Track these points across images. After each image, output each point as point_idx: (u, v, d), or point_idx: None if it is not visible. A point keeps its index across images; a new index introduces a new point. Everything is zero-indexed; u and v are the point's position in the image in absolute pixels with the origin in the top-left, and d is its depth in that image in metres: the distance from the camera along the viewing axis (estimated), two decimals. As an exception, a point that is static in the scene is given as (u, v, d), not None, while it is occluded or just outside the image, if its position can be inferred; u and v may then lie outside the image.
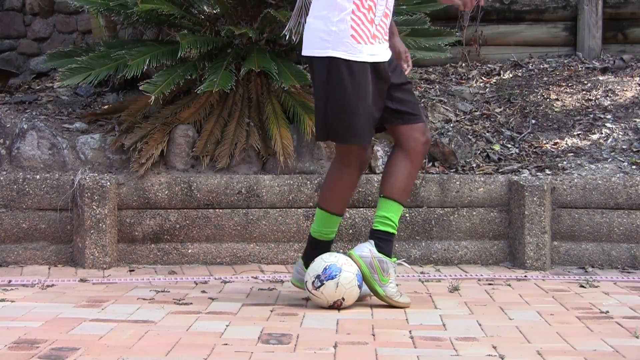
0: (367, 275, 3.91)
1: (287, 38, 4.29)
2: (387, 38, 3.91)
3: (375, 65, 3.84)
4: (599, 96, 5.98)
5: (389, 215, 3.93)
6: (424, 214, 5.07)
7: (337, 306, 3.91)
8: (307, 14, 4.08)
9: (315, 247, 4.07)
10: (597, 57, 6.60)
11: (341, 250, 5.05)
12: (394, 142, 4.03)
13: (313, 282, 3.92)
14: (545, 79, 6.27)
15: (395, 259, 4.01)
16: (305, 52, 3.90)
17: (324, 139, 4.04)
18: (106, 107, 5.70)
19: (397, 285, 3.96)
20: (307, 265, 4.02)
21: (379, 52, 3.86)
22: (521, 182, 5.00)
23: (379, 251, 3.92)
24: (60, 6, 7.35)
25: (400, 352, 3.19)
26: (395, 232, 3.98)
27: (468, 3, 3.88)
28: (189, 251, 5.04)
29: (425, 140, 3.99)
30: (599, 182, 5.06)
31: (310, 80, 5.36)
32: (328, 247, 4.09)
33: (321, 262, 3.95)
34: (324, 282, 3.89)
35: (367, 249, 3.93)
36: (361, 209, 5.06)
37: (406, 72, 4.07)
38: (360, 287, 3.92)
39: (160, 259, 5.04)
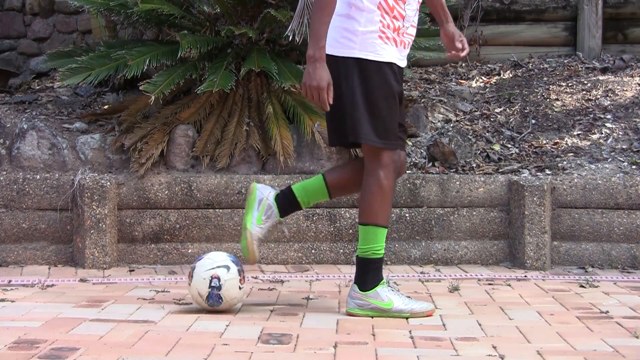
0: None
1: (290, 39, 4.27)
2: (409, 47, 3.81)
3: (399, 68, 3.76)
4: (599, 96, 5.98)
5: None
6: (424, 214, 5.07)
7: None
8: (309, 14, 4.06)
9: (369, 269, 3.78)
10: (597, 57, 6.60)
11: (341, 250, 5.05)
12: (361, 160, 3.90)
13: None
14: (545, 79, 6.28)
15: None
16: (330, 50, 3.68)
17: (346, 143, 3.85)
18: (106, 107, 5.70)
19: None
20: (362, 289, 3.77)
21: (401, 57, 3.77)
22: (521, 182, 5.00)
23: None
24: (60, 6, 7.35)
25: (400, 352, 3.19)
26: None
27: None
28: (189, 251, 5.04)
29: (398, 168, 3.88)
30: (599, 182, 5.06)
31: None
32: (381, 266, 3.81)
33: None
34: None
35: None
36: (361, 209, 5.06)
37: (462, 54, 3.95)
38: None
39: (160, 259, 5.04)
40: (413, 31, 3.81)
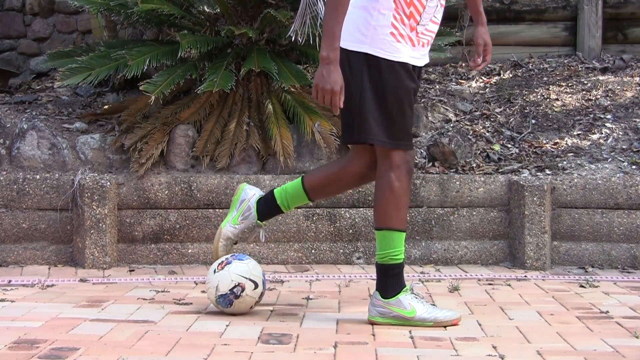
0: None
1: (292, 39, 4.25)
2: (428, 46, 3.69)
3: (413, 68, 3.61)
4: (599, 96, 5.98)
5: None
6: (424, 214, 5.07)
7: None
8: (311, 14, 4.05)
9: (388, 275, 3.65)
10: (597, 57, 6.60)
11: (341, 250, 5.05)
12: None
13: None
14: (545, 79, 6.28)
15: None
16: (342, 43, 3.53)
17: (356, 141, 3.67)
18: (106, 107, 5.70)
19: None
20: (384, 297, 3.64)
21: (418, 56, 3.62)
22: (521, 182, 5.00)
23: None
24: (60, 6, 7.35)
25: (400, 352, 3.19)
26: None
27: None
28: (189, 251, 5.04)
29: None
30: (599, 182, 5.06)
31: (310, 80, 5.37)
32: (402, 271, 3.68)
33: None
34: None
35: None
36: (361, 209, 5.06)
37: (478, 67, 3.86)
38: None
39: (160, 259, 5.04)
40: (434, 27, 3.67)
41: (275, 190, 3.90)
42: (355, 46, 3.56)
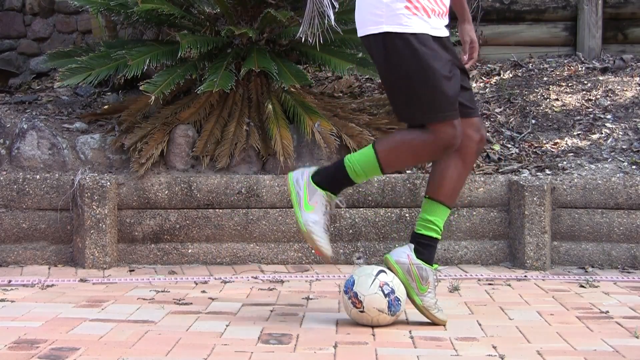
0: (404, 282, 3.57)
1: (303, 40, 4.22)
2: (446, 15, 3.51)
3: (437, 39, 3.43)
4: (599, 96, 5.98)
5: (433, 218, 3.58)
6: (424, 214, 5.06)
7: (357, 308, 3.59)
8: (319, 14, 4.03)
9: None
10: (597, 57, 6.60)
11: (341, 250, 5.05)
12: None
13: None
14: (545, 79, 6.28)
15: (437, 266, 3.68)
16: (360, 32, 3.45)
17: (408, 121, 3.53)
18: (106, 107, 5.71)
19: (436, 296, 3.63)
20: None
21: (438, 26, 3.45)
22: (521, 182, 5.00)
23: (419, 257, 3.58)
24: (60, 6, 7.36)
25: (400, 352, 3.19)
26: (439, 237, 3.61)
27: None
28: (189, 251, 5.04)
29: (480, 138, 3.62)
30: (599, 182, 5.06)
31: (310, 80, 5.37)
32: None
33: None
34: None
35: (405, 254, 3.58)
36: (361, 209, 5.06)
37: (466, 65, 3.69)
38: (389, 296, 3.54)
39: (160, 259, 5.04)
40: (446, 0, 3.52)
41: (420, 230, 3.62)
42: (372, 29, 3.44)
